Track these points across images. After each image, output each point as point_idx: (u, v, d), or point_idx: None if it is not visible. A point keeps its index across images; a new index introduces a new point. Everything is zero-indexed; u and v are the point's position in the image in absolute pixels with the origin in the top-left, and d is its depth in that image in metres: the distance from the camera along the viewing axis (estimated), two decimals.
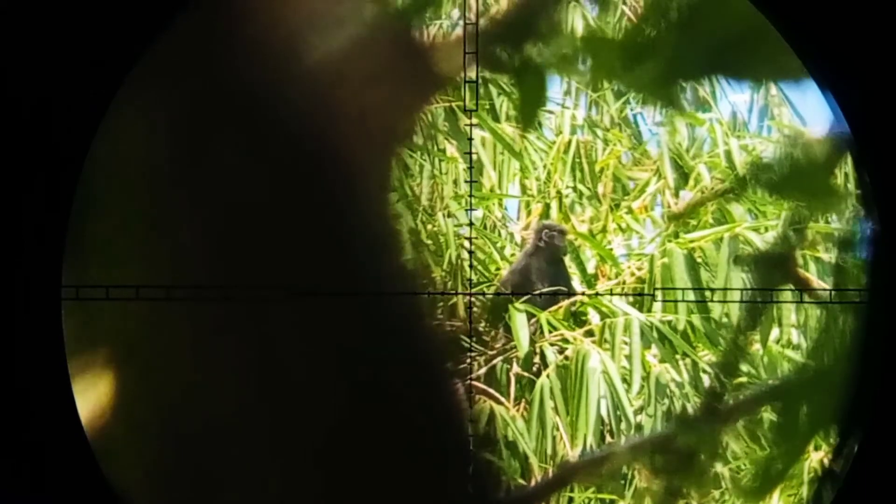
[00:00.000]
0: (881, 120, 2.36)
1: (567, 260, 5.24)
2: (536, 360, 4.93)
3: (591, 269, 5.48)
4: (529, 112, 3.94)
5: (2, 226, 2.31)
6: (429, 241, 4.89)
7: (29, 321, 2.33)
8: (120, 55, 2.30)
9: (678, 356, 4.82)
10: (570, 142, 5.73)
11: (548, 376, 4.82)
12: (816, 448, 4.19)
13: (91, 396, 2.41)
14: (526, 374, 4.92)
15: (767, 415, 4.29)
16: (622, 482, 4.73)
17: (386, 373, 2.32)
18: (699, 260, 4.92)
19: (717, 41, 2.63)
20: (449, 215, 4.98)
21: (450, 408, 2.42)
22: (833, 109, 2.40)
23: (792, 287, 3.20)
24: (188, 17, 2.30)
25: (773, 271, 3.53)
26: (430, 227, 4.95)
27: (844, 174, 5.13)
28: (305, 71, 2.38)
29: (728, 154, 5.51)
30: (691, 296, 4.82)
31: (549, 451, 4.76)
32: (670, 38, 2.73)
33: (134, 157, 2.32)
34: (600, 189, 5.77)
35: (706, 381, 4.73)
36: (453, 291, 4.61)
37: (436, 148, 5.12)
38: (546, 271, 5.03)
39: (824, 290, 2.80)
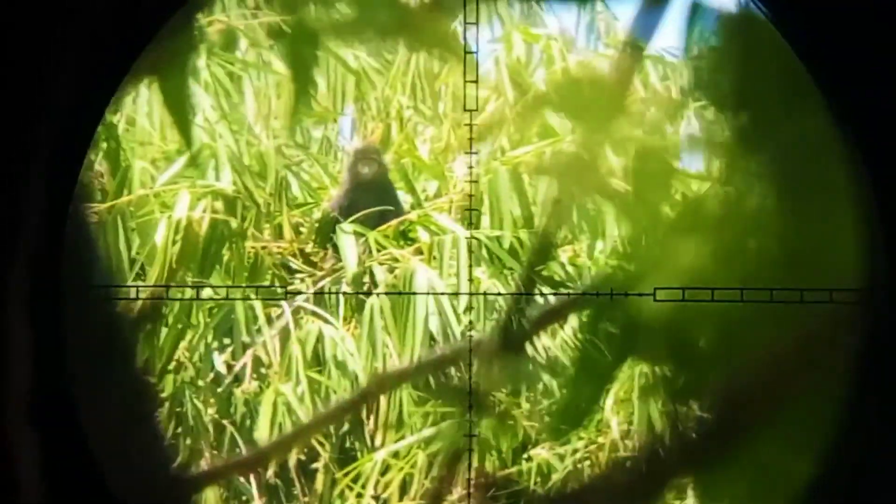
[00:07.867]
0: (881, 118, 2.36)
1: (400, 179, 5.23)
2: (366, 279, 4.92)
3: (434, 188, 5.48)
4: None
5: (2, 225, 2.25)
6: (251, 163, 4.84)
7: (29, 321, 2.26)
8: (120, 56, 2.26)
9: (506, 271, 4.84)
10: (408, 61, 5.69)
11: (377, 296, 4.81)
12: None
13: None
14: (356, 293, 4.91)
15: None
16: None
17: None
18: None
19: None
20: (274, 136, 4.93)
21: None
22: (832, 108, 2.40)
23: None
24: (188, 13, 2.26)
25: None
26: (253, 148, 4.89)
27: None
28: None
29: (566, 71, 5.50)
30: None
31: (380, 369, 4.77)
32: None
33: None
34: (440, 108, 5.75)
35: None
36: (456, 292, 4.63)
37: (261, 61, 5.04)
38: (372, 192, 5.00)
39: (822, 290, 2.76)
